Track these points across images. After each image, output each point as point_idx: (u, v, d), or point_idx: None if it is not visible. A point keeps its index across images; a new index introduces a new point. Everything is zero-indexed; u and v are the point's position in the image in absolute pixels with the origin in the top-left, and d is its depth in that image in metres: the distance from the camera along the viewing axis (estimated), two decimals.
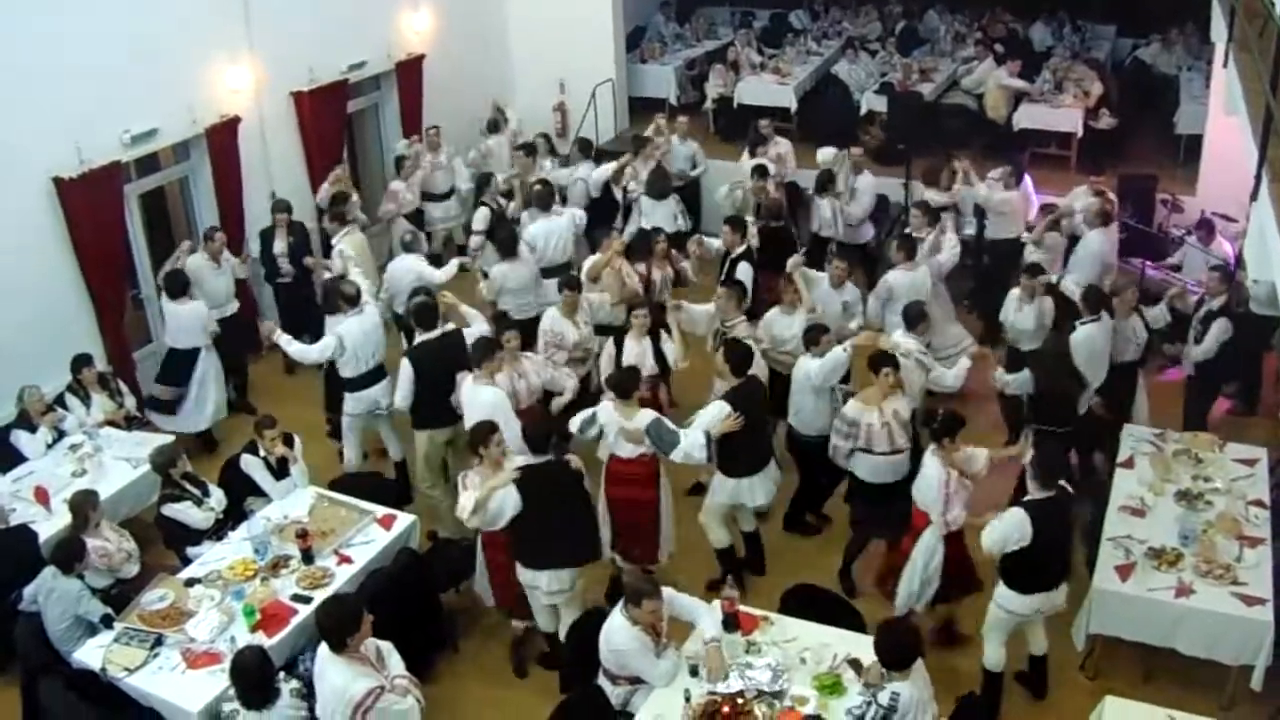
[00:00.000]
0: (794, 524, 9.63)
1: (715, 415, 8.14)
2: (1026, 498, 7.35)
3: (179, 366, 10.79)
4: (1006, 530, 7.10)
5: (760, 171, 12.62)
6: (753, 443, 8.46)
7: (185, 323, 10.63)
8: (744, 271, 10.55)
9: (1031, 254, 11.16)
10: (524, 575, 7.78)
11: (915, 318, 9.28)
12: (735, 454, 8.42)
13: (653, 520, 8.40)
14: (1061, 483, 7.30)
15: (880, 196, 14.28)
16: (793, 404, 9.15)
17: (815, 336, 8.91)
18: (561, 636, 7.93)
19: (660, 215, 12.79)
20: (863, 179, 13.15)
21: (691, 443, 7.94)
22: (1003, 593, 7.40)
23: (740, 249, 10.81)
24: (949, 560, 7.72)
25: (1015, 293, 10.28)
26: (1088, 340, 9.28)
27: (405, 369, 9.16)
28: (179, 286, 10.60)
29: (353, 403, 9.84)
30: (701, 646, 6.74)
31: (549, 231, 11.58)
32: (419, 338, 9.41)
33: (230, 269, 11.48)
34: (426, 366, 9.16)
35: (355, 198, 12.83)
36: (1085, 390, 9.25)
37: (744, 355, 8.59)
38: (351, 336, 9.57)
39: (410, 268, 11.01)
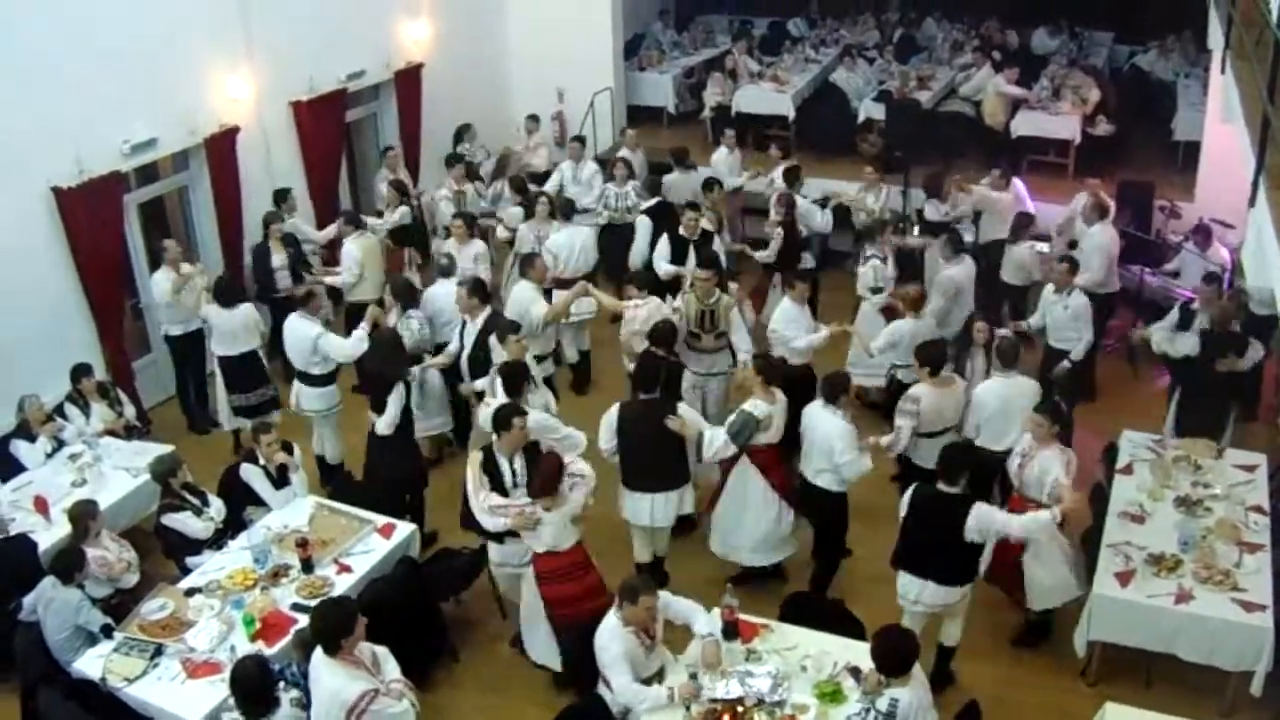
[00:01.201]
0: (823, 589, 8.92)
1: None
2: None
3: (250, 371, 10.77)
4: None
5: (709, 185, 12.69)
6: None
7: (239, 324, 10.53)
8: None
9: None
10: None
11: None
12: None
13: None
14: None
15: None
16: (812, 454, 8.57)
17: (835, 393, 8.39)
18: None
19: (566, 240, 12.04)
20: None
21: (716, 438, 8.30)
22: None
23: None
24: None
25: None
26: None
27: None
28: (234, 294, 10.67)
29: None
30: (698, 645, 6.77)
31: (571, 241, 11.78)
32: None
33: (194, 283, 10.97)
34: None
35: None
36: None
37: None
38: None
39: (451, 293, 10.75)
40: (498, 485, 7.69)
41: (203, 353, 11.21)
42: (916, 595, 7.55)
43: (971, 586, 7.62)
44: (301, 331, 9.91)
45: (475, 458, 7.81)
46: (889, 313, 10.45)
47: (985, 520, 7.23)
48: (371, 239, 11.95)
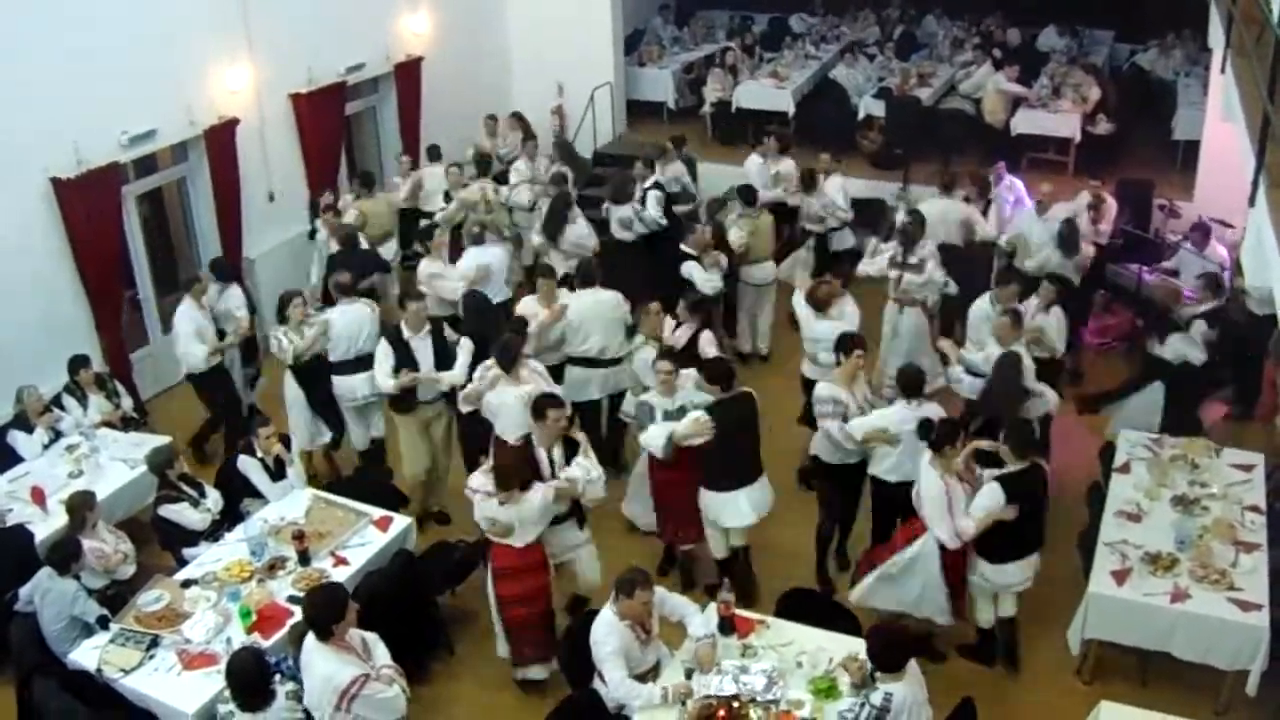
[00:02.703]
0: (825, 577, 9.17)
1: (689, 421, 8.19)
2: (1001, 470, 7.59)
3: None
4: (988, 504, 7.40)
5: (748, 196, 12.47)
6: (736, 458, 8.41)
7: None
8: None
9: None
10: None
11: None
12: (721, 468, 8.39)
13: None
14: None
15: (877, 201, 14.33)
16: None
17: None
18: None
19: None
20: (831, 181, 13.03)
21: (653, 434, 8.24)
22: (981, 566, 7.71)
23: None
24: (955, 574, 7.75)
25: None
26: None
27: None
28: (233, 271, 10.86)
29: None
30: (693, 645, 6.77)
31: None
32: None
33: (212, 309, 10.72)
34: None
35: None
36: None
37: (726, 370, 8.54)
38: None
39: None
40: (535, 475, 7.70)
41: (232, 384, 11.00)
42: (1014, 575, 7.79)
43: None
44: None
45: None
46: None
47: None
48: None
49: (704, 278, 10.93)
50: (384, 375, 9.32)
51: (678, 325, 9.68)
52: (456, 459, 10.03)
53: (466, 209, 12.56)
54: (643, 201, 12.47)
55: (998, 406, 8.91)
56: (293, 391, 10.02)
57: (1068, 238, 11.17)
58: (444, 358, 9.47)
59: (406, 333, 9.39)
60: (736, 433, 8.26)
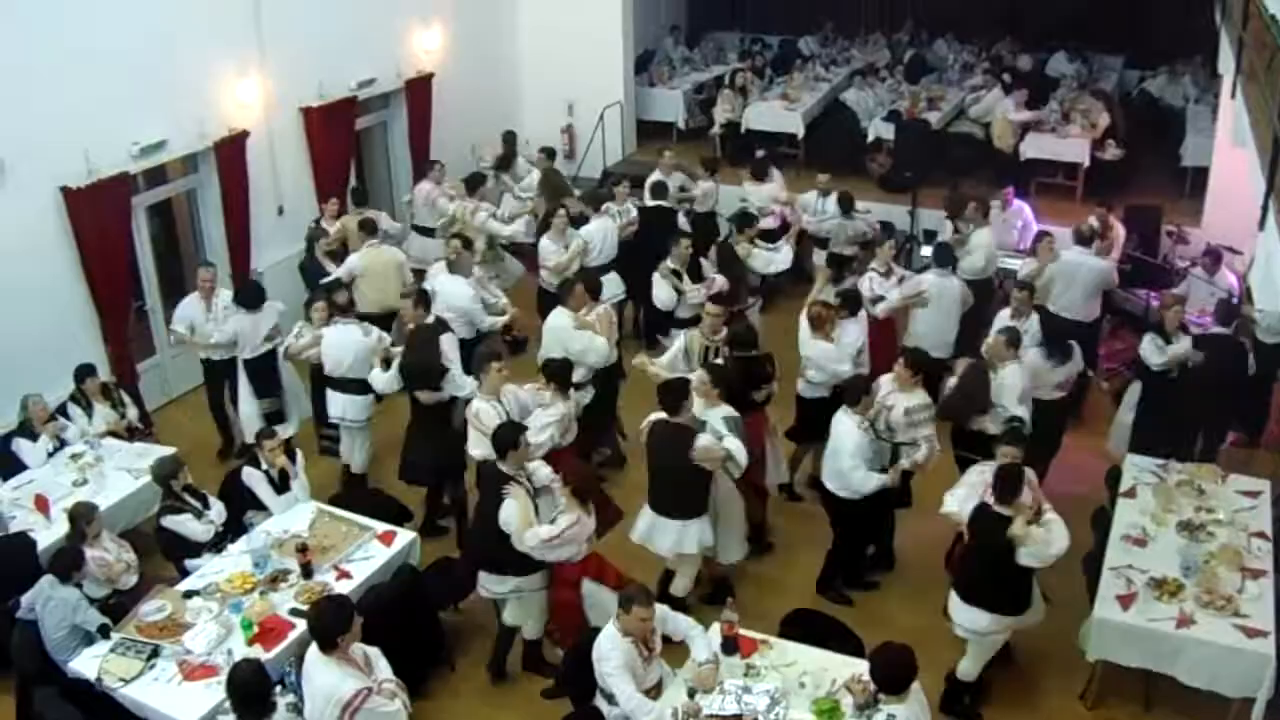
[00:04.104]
0: (826, 588, 9.11)
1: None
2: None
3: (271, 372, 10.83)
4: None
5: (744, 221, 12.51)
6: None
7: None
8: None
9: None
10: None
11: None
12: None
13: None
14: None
15: (885, 224, 14.33)
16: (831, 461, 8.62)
17: (856, 395, 8.49)
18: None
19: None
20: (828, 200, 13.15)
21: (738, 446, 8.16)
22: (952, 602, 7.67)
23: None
24: None
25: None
26: None
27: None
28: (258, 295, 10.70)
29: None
30: (695, 667, 6.75)
31: (604, 230, 12.11)
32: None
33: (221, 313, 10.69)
34: None
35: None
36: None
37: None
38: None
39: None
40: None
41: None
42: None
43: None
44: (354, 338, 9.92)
45: (520, 494, 7.57)
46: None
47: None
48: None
49: (664, 292, 11.05)
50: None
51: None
52: None
53: (457, 225, 12.52)
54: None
55: (955, 414, 9.09)
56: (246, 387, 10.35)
57: None
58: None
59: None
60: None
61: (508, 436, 7.71)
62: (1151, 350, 9.86)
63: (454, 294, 10.64)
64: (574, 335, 9.85)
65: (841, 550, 9.00)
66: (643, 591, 6.70)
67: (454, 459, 9.38)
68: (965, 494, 7.79)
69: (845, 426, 8.38)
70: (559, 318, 9.99)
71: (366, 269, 11.38)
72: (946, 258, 11.22)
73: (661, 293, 11.05)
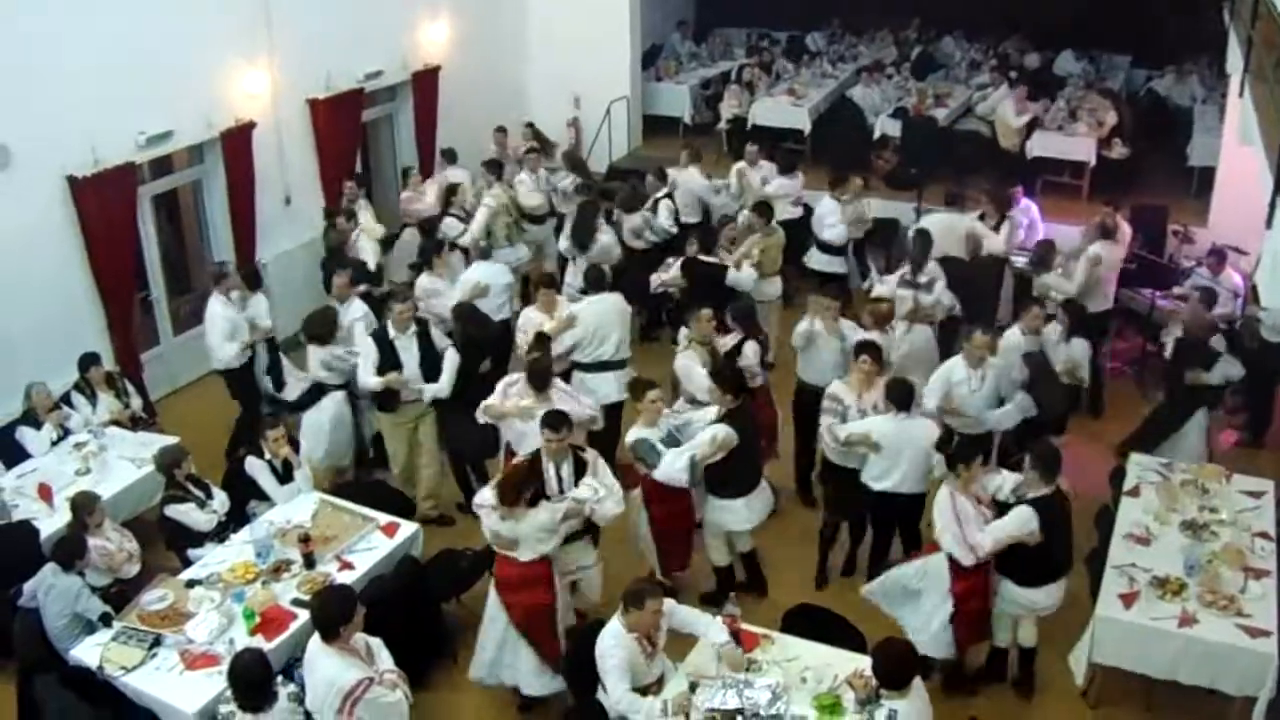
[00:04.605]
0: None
1: (707, 440, 8.17)
2: (1030, 494, 7.49)
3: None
4: (1015, 527, 7.30)
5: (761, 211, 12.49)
6: (740, 465, 8.43)
7: None
8: None
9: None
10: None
11: None
12: (724, 476, 8.41)
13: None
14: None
15: (890, 221, 14.32)
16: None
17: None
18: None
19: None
20: (825, 203, 13.04)
21: (670, 463, 8.08)
22: (1010, 589, 7.64)
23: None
24: (967, 601, 7.67)
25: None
26: None
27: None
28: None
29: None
30: (710, 655, 6.74)
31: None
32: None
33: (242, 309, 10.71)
34: None
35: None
36: None
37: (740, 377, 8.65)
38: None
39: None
40: (539, 492, 7.61)
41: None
42: (1040, 600, 7.68)
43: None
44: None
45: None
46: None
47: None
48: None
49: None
50: (366, 374, 9.40)
51: (723, 333, 9.67)
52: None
53: (495, 215, 12.49)
54: (654, 210, 12.67)
55: (1048, 409, 9.15)
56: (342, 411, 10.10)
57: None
58: (430, 361, 9.53)
59: (393, 332, 9.47)
60: (744, 440, 8.30)
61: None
62: (1230, 367, 9.73)
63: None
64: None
65: (830, 528, 9.17)
66: (652, 585, 6.70)
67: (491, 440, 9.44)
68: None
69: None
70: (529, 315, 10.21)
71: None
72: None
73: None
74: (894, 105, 17.51)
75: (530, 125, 15.48)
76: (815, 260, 13.00)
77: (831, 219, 12.84)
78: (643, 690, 6.63)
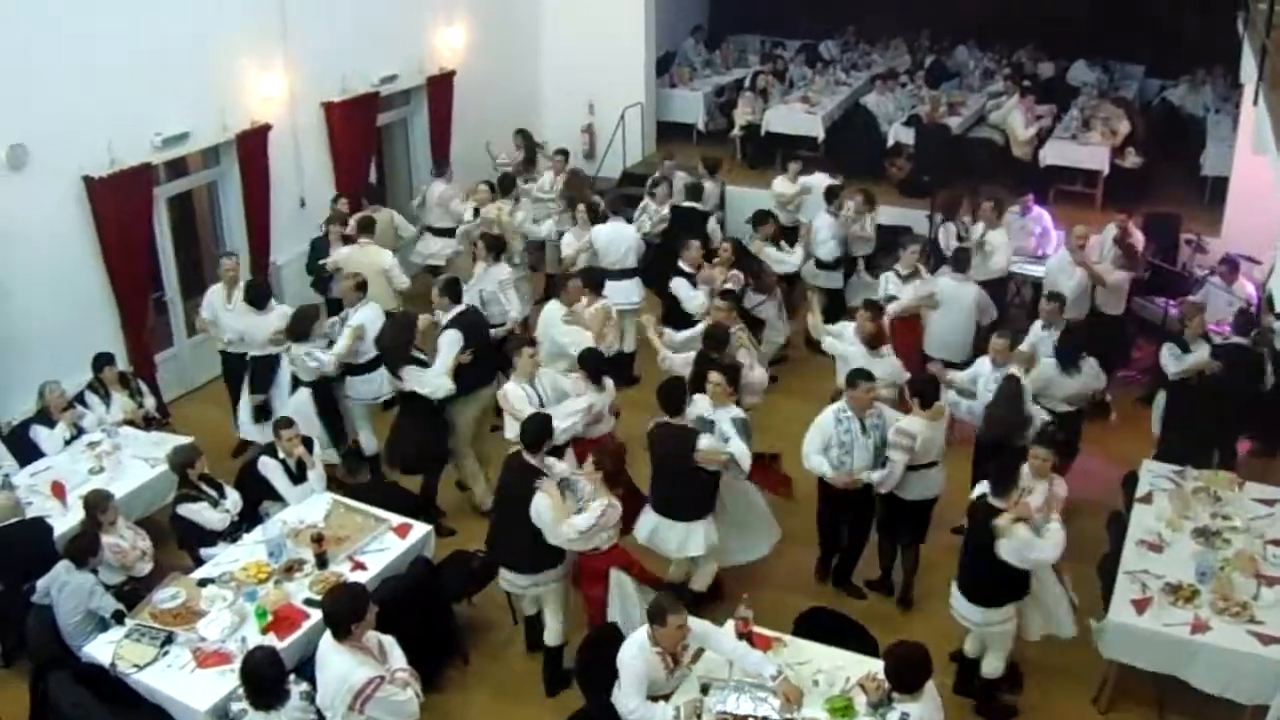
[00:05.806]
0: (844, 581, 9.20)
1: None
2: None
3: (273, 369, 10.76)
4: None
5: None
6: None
7: None
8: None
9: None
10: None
11: None
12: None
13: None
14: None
15: (904, 228, 14.30)
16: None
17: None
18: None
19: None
20: (820, 219, 12.99)
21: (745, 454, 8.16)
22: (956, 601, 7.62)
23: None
24: None
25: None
26: None
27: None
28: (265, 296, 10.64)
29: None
30: (775, 685, 6.57)
31: (615, 234, 12.05)
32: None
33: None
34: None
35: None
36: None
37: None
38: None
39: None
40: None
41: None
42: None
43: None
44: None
45: (552, 487, 7.54)
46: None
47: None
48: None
49: (689, 294, 11.00)
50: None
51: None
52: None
53: (485, 226, 12.47)
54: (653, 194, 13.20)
55: (1000, 430, 8.95)
56: (306, 406, 10.03)
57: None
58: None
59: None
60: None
61: (537, 430, 7.80)
62: (1169, 359, 9.89)
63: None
64: (561, 328, 10.08)
65: (828, 515, 9.01)
66: (672, 598, 6.69)
67: (437, 450, 9.70)
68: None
69: (825, 413, 8.49)
70: (551, 309, 10.31)
71: (347, 263, 11.25)
72: (964, 262, 11.20)
73: (683, 292, 11.07)
74: (907, 113, 17.53)
75: (520, 132, 15.14)
76: (810, 274, 12.92)
77: (824, 234, 12.81)
78: (653, 699, 6.59)
